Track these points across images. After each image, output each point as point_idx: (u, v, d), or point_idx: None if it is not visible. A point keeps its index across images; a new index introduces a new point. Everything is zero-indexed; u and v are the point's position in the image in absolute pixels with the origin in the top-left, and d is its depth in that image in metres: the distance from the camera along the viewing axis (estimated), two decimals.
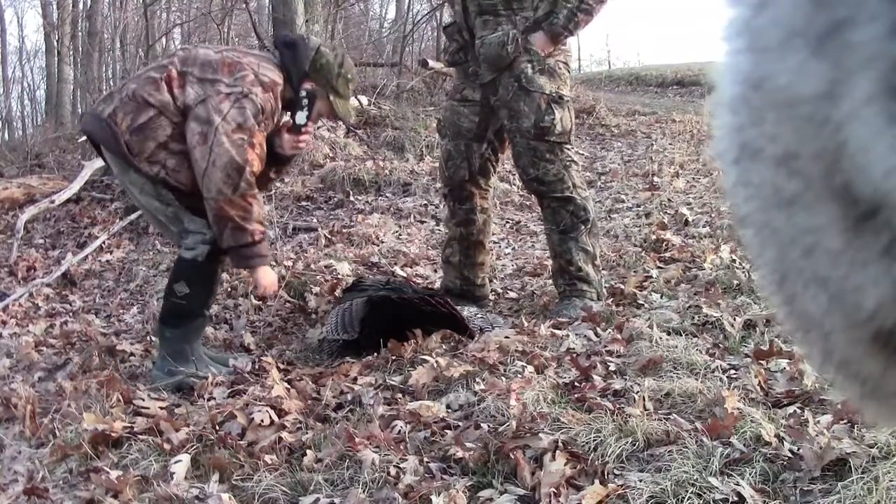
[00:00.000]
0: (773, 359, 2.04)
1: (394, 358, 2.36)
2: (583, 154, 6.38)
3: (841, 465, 1.45)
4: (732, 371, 2.03)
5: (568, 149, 2.80)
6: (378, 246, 4.23)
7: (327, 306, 3.09)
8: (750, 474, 1.47)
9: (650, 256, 3.44)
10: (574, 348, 2.29)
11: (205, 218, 2.45)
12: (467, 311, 2.69)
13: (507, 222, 4.82)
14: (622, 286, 2.94)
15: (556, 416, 1.75)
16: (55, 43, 12.21)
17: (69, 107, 11.73)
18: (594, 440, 1.64)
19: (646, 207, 4.61)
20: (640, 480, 1.50)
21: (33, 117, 15.37)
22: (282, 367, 2.48)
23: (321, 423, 1.98)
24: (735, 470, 1.50)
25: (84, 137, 5.24)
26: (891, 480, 1.36)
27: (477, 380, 2.06)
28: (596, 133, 7.65)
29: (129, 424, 2.03)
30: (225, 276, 3.35)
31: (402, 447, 1.74)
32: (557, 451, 1.58)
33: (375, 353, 2.45)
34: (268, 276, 2.56)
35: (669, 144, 6.86)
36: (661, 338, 2.26)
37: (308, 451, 1.78)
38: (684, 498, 1.42)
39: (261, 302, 3.34)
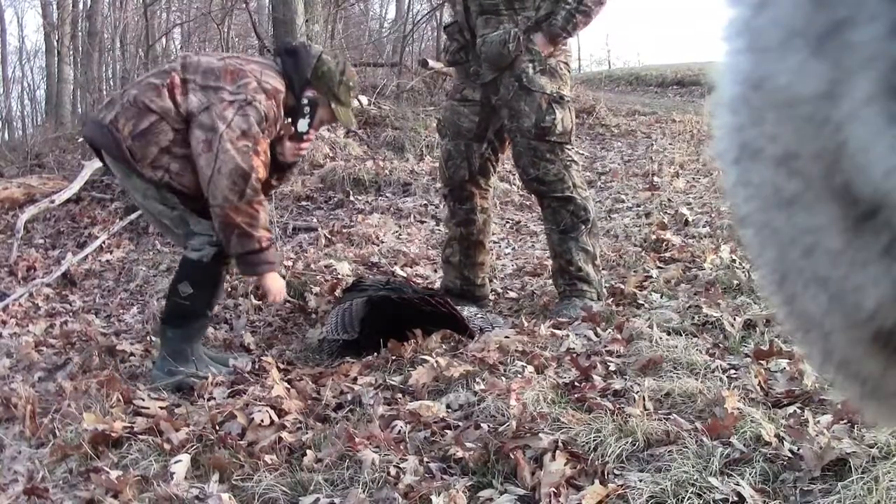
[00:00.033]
0: (773, 359, 2.04)
1: (394, 358, 2.36)
2: (583, 154, 6.38)
3: (841, 465, 1.45)
4: (732, 371, 2.03)
5: (568, 149, 2.81)
6: (378, 246, 4.23)
7: (327, 306, 3.09)
8: (750, 474, 1.47)
9: (650, 256, 3.44)
10: (574, 348, 2.29)
11: (210, 220, 2.45)
12: (467, 311, 2.69)
13: (507, 222, 4.82)
14: (622, 286, 2.94)
15: (556, 416, 1.75)
16: (55, 43, 12.21)
17: (69, 107, 11.73)
18: (594, 440, 1.64)
19: (646, 207, 4.61)
20: (640, 480, 1.50)
21: (33, 117, 15.37)
22: (282, 367, 2.48)
23: (321, 423, 1.98)
24: (735, 470, 1.50)
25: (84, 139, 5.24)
26: (891, 480, 1.36)
27: (477, 380, 2.06)
28: (596, 133, 7.65)
29: (129, 424, 2.03)
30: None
31: (402, 447, 1.74)
32: (557, 451, 1.58)
33: (375, 353, 2.45)
34: (276, 283, 2.56)
35: (669, 144, 6.86)
36: (661, 338, 2.26)
37: (308, 451, 1.78)
38: (684, 498, 1.42)
39: (261, 302, 3.34)
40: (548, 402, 1.86)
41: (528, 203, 4.99)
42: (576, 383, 1.99)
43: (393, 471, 1.62)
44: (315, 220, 4.99)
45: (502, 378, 2.05)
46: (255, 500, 1.62)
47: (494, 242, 4.05)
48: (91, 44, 11.01)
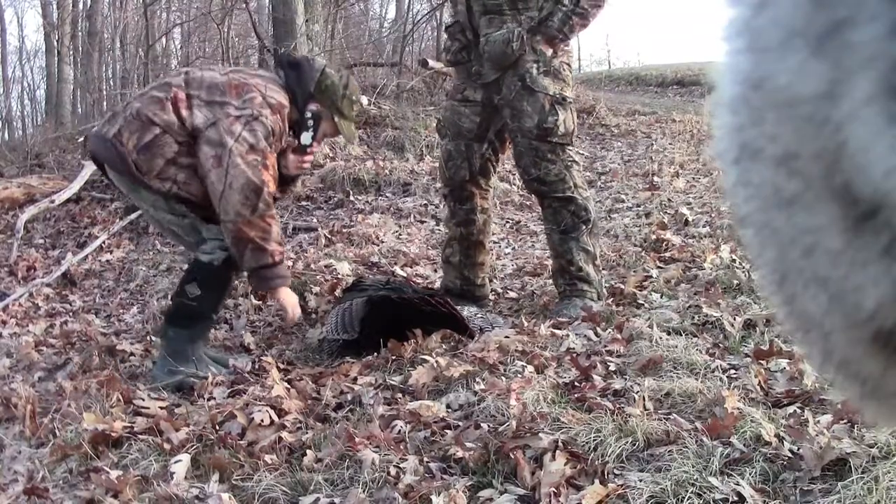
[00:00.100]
0: (773, 359, 2.04)
1: (394, 358, 2.36)
2: (583, 154, 6.37)
3: (841, 464, 1.45)
4: (732, 371, 2.03)
5: (570, 150, 2.81)
6: (378, 246, 4.23)
7: (327, 306, 3.09)
8: (750, 474, 1.47)
9: (650, 256, 3.44)
10: (574, 348, 2.29)
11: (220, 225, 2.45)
12: (467, 311, 2.69)
13: (507, 222, 4.82)
14: (622, 286, 2.94)
15: (556, 416, 1.75)
16: (55, 43, 12.21)
17: (69, 107, 11.73)
18: (594, 440, 1.64)
19: (646, 207, 4.61)
20: (640, 480, 1.50)
21: (33, 117, 15.38)
22: (282, 367, 2.48)
23: (321, 423, 1.98)
24: (735, 470, 1.50)
25: (83, 138, 5.24)
26: (891, 480, 1.36)
27: (477, 380, 2.06)
28: (596, 133, 7.65)
29: (129, 424, 2.03)
30: None
31: (402, 447, 1.74)
32: (557, 451, 1.58)
33: (375, 353, 2.45)
34: (290, 298, 2.57)
35: (669, 144, 6.86)
36: (661, 338, 2.26)
37: (308, 451, 1.78)
38: (684, 498, 1.42)
39: (260, 302, 3.34)
40: (548, 401, 1.86)
41: (528, 203, 4.99)
42: (576, 383, 1.99)
43: (393, 471, 1.62)
44: (315, 220, 4.99)
45: (502, 378, 2.05)
46: (255, 499, 1.62)
47: (494, 242, 4.05)
48: (91, 44, 11.02)
